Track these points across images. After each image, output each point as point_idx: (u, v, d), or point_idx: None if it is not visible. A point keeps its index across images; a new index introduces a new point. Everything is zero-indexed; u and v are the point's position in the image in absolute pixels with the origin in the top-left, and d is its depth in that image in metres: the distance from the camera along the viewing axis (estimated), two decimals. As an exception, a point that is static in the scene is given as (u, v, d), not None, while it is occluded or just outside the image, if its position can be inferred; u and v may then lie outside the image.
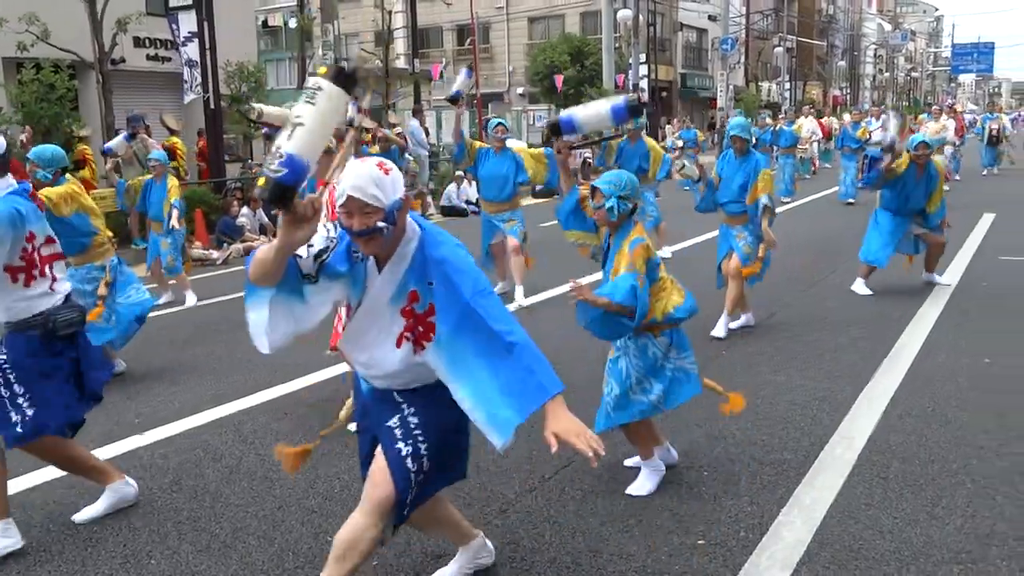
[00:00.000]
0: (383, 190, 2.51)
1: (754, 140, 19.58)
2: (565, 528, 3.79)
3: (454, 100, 8.40)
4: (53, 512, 4.13)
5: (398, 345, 2.72)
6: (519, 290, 8.60)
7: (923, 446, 4.60)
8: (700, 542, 3.63)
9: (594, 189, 4.01)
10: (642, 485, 4.16)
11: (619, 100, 4.20)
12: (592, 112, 4.23)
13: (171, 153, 15.11)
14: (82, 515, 4.01)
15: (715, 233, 7.64)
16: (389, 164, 2.58)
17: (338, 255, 2.65)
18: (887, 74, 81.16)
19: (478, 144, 8.88)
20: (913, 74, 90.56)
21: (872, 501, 3.96)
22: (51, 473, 4.55)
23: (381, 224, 2.52)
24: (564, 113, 4.22)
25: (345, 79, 2.31)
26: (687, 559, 3.50)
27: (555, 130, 4.25)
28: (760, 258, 6.99)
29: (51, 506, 4.19)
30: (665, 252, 10.63)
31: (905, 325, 7.14)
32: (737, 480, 4.25)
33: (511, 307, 8.19)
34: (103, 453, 4.79)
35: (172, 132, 16.64)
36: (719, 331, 6.99)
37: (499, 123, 8.89)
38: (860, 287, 8.47)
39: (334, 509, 4.03)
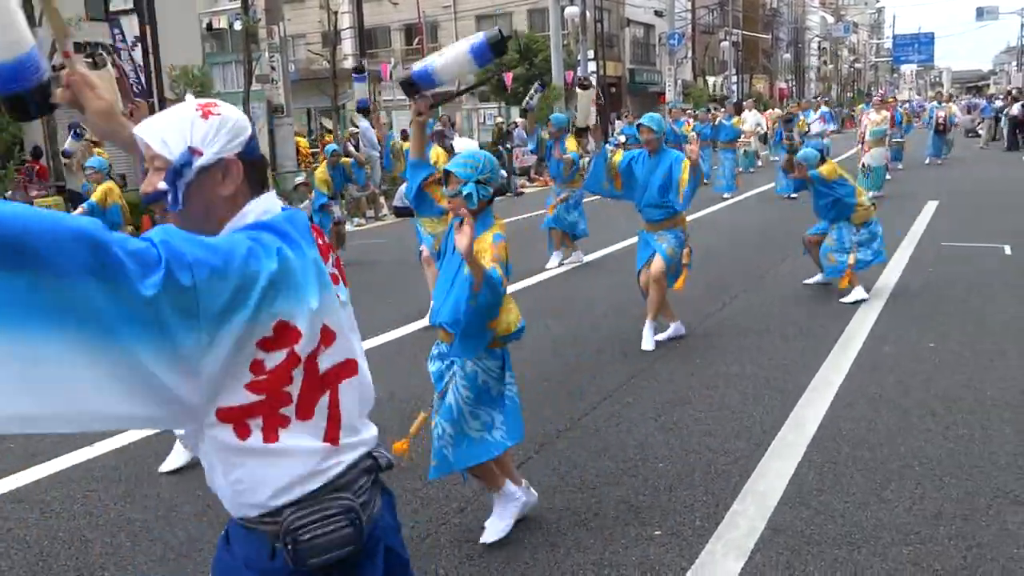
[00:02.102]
0: (177, 133, 1.68)
1: (695, 134, 19.60)
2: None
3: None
4: (1, 528, 4.04)
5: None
6: None
7: (872, 431, 4.70)
8: (656, 533, 3.67)
9: (447, 173, 3.52)
10: (495, 527, 3.67)
11: (478, 38, 3.55)
12: (451, 58, 3.58)
13: None
14: None
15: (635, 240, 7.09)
16: (219, 110, 1.74)
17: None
18: (831, 66, 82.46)
19: (406, 146, 8.45)
20: (856, 65, 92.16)
21: (823, 486, 4.04)
22: (-1, 489, 4.47)
23: (162, 185, 1.68)
24: (418, 64, 3.63)
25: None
26: (644, 550, 3.54)
27: (410, 87, 3.61)
28: (685, 265, 6.56)
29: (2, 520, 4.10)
30: (554, 261, 10.12)
31: (853, 313, 7.27)
32: (692, 470, 4.30)
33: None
34: (54, 465, 4.70)
35: None
36: (647, 344, 6.48)
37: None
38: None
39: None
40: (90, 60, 4.58)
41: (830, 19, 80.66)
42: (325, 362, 1.66)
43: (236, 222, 1.70)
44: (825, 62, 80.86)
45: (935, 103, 24.43)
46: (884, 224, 7.95)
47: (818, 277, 8.32)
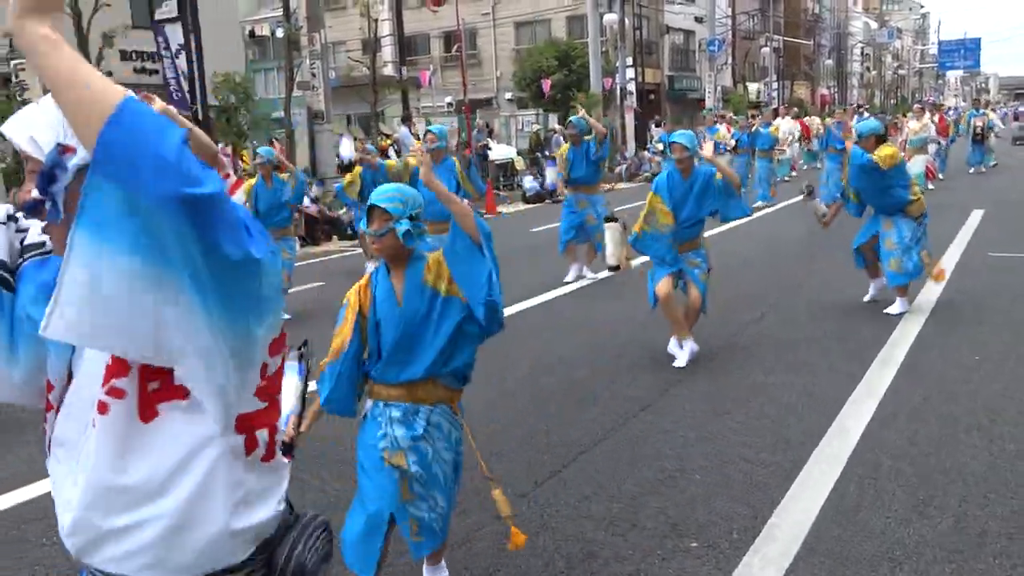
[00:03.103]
0: (48, 129, 1.40)
1: (733, 143, 19.25)
2: (559, 533, 3.79)
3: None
4: (52, 523, 4.11)
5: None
6: None
7: (914, 444, 4.62)
8: (693, 545, 3.64)
9: (372, 208, 2.98)
10: None
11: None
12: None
13: None
14: None
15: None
16: None
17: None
18: (874, 72, 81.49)
19: (414, 161, 7.86)
20: (900, 72, 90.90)
21: (864, 501, 3.97)
22: (48, 485, 4.55)
23: (35, 193, 1.39)
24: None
25: None
26: (680, 562, 3.51)
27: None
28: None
29: (50, 518, 4.17)
30: (572, 274, 9.75)
31: (896, 324, 7.15)
32: (729, 482, 4.26)
33: None
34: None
35: None
36: (681, 360, 6.28)
37: (429, 130, 7.75)
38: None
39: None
40: None
41: (873, 24, 79.73)
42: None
43: None
44: (868, 68, 79.92)
45: (972, 110, 23.99)
46: (929, 233, 7.76)
47: (872, 292, 7.90)
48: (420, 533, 3.12)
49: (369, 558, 3.07)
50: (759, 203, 16.61)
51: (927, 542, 3.57)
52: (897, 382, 5.68)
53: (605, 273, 9.82)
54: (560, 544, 3.70)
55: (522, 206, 19.76)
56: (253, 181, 8.59)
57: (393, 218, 2.93)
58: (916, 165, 15.12)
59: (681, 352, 6.31)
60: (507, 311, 8.11)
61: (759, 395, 5.56)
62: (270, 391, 1.50)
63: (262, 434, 1.50)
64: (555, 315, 8.29)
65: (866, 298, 7.94)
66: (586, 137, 9.64)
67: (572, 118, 9.96)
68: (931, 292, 8.24)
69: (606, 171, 10.15)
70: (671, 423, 5.10)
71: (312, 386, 2.67)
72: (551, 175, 9.65)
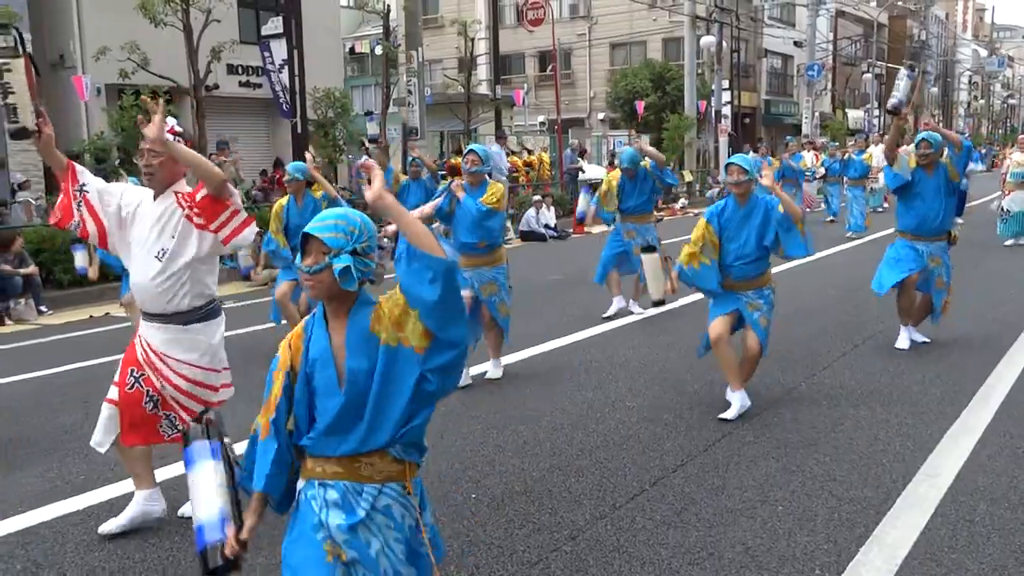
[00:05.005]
0: None
1: (823, 170, 18.68)
2: (635, 558, 3.74)
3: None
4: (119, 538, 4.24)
5: None
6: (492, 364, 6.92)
7: (1013, 488, 4.41)
8: (773, 579, 3.55)
9: (306, 238, 2.39)
10: None
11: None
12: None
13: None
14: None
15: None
16: None
17: None
18: (982, 101, 78.74)
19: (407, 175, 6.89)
20: (1011, 101, 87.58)
21: (956, 544, 3.81)
22: (97, 497, 4.70)
23: None
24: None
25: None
26: (760, 595, 3.42)
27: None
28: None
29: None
30: (636, 308, 9.30)
31: (997, 361, 6.87)
32: (813, 516, 4.13)
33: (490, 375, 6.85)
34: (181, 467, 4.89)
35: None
36: (730, 412, 5.62)
37: (471, 150, 6.67)
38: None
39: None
40: None
41: (983, 52, 77.06)
42: None
43: None
44: (976, 97, 77.30)
45: None
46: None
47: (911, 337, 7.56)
48: None
49: None
50: (850, 233, 16.20)
51: (1024, 591, 3.41)
52: (996, 423, 5.44)
53: (652, 310, 9.15)
54: (635, 569, 3.65)
55: (606, 227, 19.68)
56: (284, 201, 7.81)
57: (331, 251, 2.34)
58: (1017, 202, 14.43)
59: (732, 403, 5.70)
60: (573, 336, 8.20)
61: (848, 428, 5.40)
62: None
63: None
64: (626, 342, 8.22)
65: (900, 345, 7.50)
66: (642, 163, 9.11)
67: (623, 155, 9.41)
68: (1036, 330, 7.90)
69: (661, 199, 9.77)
70: (753, 452, 4.99)
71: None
72: (583, 202, 9.34)
